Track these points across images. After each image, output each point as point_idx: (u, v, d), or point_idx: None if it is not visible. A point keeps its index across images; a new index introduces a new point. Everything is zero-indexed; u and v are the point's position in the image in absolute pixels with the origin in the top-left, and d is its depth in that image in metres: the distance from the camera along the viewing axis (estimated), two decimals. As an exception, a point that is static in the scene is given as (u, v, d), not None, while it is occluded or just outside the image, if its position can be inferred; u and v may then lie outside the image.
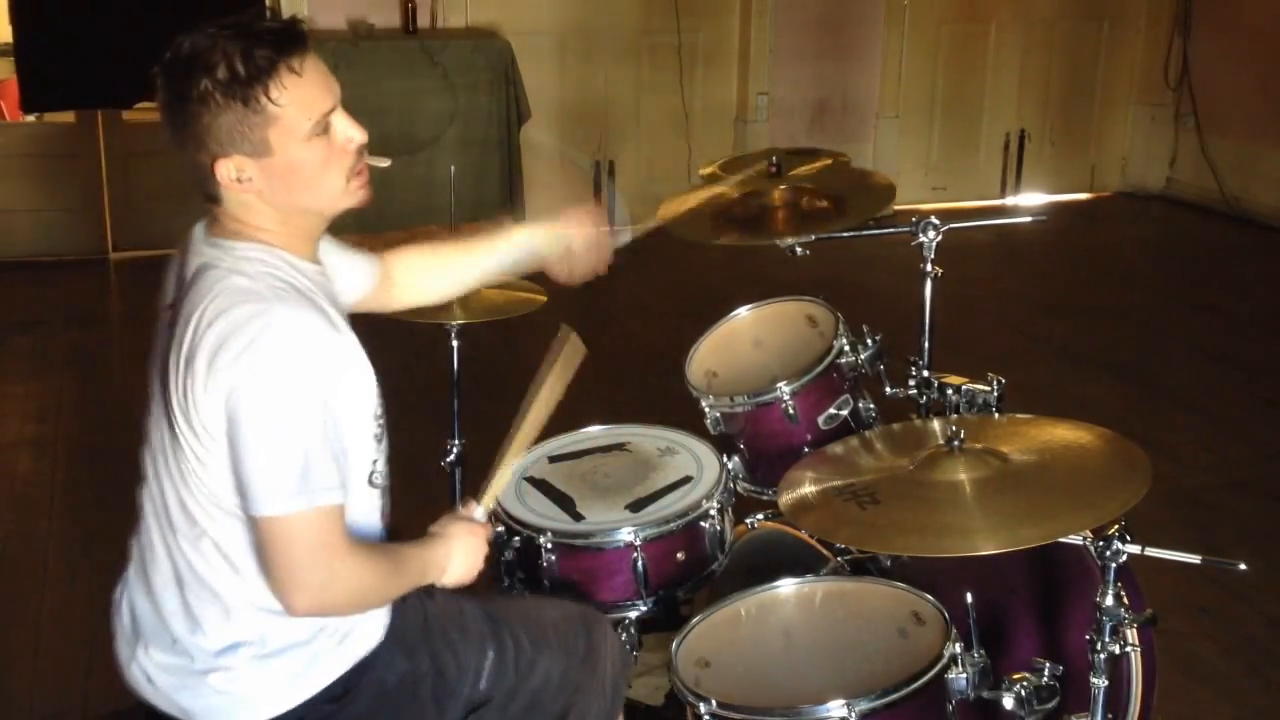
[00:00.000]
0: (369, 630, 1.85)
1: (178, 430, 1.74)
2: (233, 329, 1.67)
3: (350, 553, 1.75)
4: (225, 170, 1.74)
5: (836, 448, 2.25)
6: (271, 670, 1.79)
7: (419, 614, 1.92)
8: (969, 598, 1.89)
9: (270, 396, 1.67)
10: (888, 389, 2.64)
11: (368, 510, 1.86)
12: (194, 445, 1.73)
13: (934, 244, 2.61)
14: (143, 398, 1.89)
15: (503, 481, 2.10)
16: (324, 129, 1.79)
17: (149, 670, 1.84)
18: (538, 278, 2.67)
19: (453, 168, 3.40)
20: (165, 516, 1.82)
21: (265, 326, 1.68)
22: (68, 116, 6.45)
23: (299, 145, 1.76)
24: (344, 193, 1.85)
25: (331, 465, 1.71)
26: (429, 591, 1.97)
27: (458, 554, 1.94)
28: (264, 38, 1.71)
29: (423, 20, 6.41)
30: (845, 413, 2.56)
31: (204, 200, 1.81)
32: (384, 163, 1.93)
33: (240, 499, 1.71)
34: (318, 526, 1.70)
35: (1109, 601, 1.82)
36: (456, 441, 3.03)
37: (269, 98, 1.71)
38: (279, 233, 1.81)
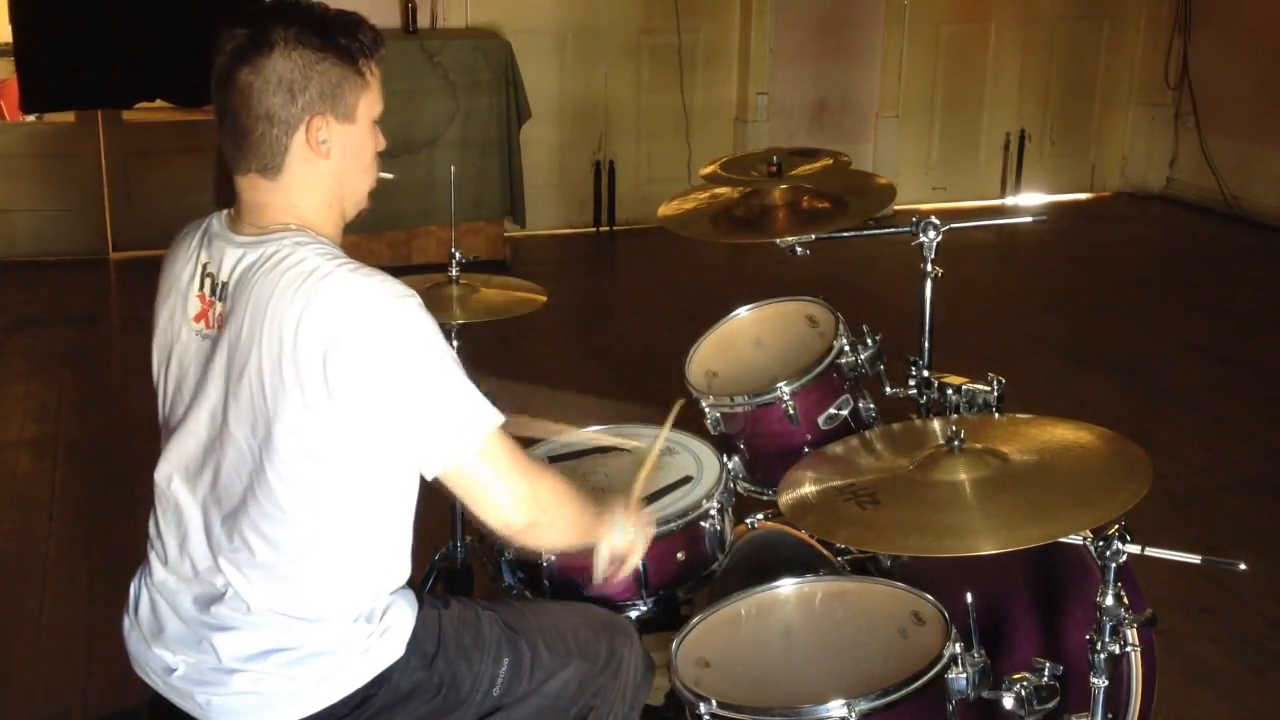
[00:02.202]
0: (395, 641, 1.85)
1: (258, 444, 1.73)
2: (328, 318, 1.68)
3: (533, 460, 1.86)
4: (317, 126, 1.77)
5: (836, 448, 2.25)
6: (298, 675, 1.79)
7: (435, 624, 1.91)
8: (969, 598, 1.89)
9: (407, 361, 1.70)
10: (888, 389, 2.64)
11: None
12: (291, 455, 1.72)
13: (934, 244, 2.61)
14: (152, 413, 1.89)
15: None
16: (378, 122, 1.88)
17: (169, 663, 1.84)
18: (538, 279, 2.67)
19: (453, 168, 3.39)
20: (204, 534, 1.82)
21: (356, 299, 1.69)
22: (68, 116, 6.44)
23: (368, 127, 1.85)
24: (366, 195, 1.91)
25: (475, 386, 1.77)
26: (445, 602, 1.97)
27: (625, 530, 2.03)
28: (365, 27, 1.83)
29: (423, 20, 6.41)
30: (845, 413, 2.56)
31: (259, 170, 1.79)
32: (389, 175, 1.99)
33: (419, 463, 1.76)
34: (501, 447, 1.78)
35: (1109, 601, 1.82)
36: (456, 441, 3.02)
37: (370, 69, 1.82)
38: (317, 220, 1.83)
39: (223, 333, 1.77)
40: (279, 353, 1.70)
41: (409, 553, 1.90)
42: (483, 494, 1.80)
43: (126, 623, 1.93)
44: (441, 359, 1.74)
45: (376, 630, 1.83)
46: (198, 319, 1.82)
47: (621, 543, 2.04)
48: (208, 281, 1.82)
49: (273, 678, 1.78)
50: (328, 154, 1.80)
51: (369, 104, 1.83)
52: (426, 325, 1.73)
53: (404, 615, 1.86)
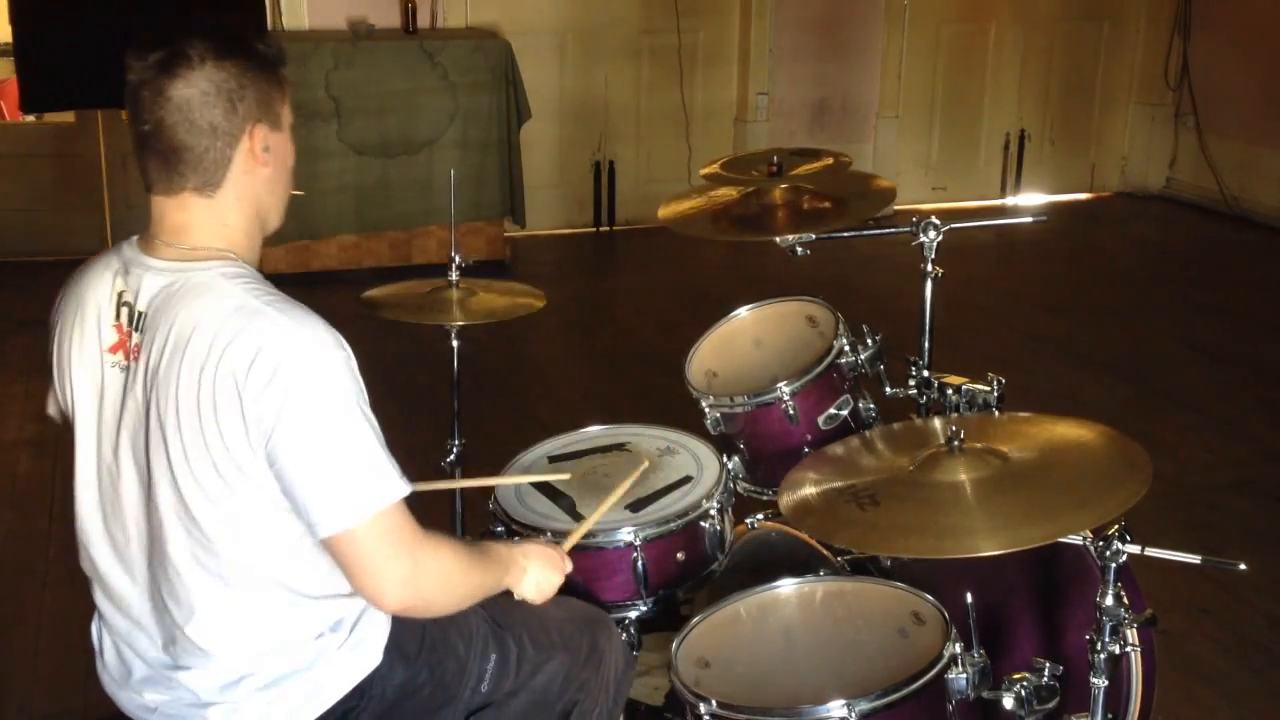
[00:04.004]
0: (370, 651, 1.83)
1: (178, 475, 1.67)
2: (251, 354, 1.62)
3: (428, 539, 1.75)
4: (260, 135, 1.74)
5: (836, 448, 2.25)
6: (274, 699, 1.77)
7: (417, 623, 1.89)
8: (969, 598, 1.89)
9: (316, 413, 1.64)
10: (888, 389, 2.64)
11: None
12: (212, 487, 1.67)
13: (934, 244, 2.61)
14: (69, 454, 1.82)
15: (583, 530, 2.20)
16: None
17: (148, 703, 1.81)
18: (538, 279, 2.67)
19: (452, 171, 3.39)
20: (144, 570, 1.77)
21: (283, 341, 1.64)
22: (68, 116, 6.45)
23: (289, 135, 1.83)
24: (284, 209, 1.87)
25: (388, 455, 1.69)
26: None
27: (535, 567, 1.98)
28: (269, 36, 1.82)
29: (423, 20, 6.41)
30: (845, 413, 2.56)
31: (196, 188, 1.73)
32: (298, 193, 1.94)
33: (306, 521, 1.67)
34: (392, 523, 1.68)
35: (1109, 601, 1.82)
36: (456, 441, 3.03)
37: (284, 74, 1.79)
38: (244, 240, 1.78)
39: (138, 362, 1.71)
40: (198, 385, 1.64)
41: None
42: (363, 568, 1.69)
43: (99, 666, 1.90)
44: (354, 418, 1.66)
45: (349, 642, 1.80)
46: (114, 349, 1.75)
47: (530, 591, 1.99)
48: (124, 311, 1.74)
49: (247, 705, 1.76)
50: (268, 162, 1.77)
51: (288, 111, 1.81)
52: (346, 380, 1.67)
53: (377, 621, 1.84)
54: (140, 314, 1.72)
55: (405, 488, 1.70)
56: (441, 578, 1.77)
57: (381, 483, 1.67)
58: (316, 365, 1.65)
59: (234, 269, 1.73)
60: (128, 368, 1.73)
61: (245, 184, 1.76)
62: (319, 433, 1.64)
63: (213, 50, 1.70)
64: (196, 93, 1.69)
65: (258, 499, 1.69)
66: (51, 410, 1.93)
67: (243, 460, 1.66)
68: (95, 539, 1.82)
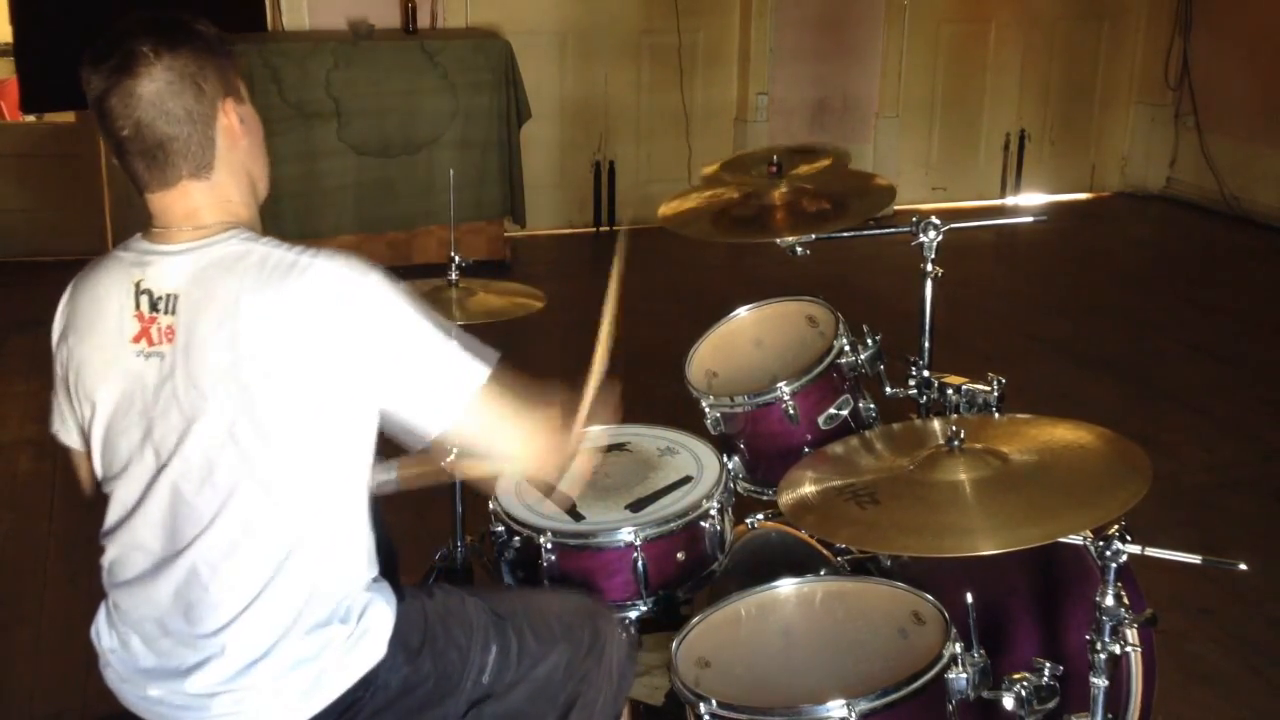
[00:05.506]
0: (375, 642, 1.83)
1: (224, 451, 1.69)
2: (318, 305, 1.68)
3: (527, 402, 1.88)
4: (231, 109, 1.79)
5: (836, 448, 2.25)
6: (280, 688, 1.77)
7: (419, 615, 1.90)
8: (969, 598, 1.89)
9: (399, 326, 1.73)
10: (888, 389, 2.64)
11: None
12: (280, 454, 1.70)
13: (934, 244, 2.61)
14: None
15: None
16: None
17: (153, 696, 1.82)
18: (537, 279, 2.67)
19: (451, 171, 3.40)
20: (164, 564, 1.79)
21: (331, 281, 1.70)
22: (68, 116, 6.44)
23: (251, 104, 1.87)
24: (269, 173, 1.92)
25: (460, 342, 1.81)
26: (429, 592, 1.97)
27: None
28: (202, 18, 1.83)
29: (423, 20, 6.41)
30: (845, 413, 2.56)
31: (190, 174, 1.76)
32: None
33: (419, 431, 1.77)
34: (494, 393, 1.81)
35: (1109, 601, 1.82)
36: (457, 441, 3.02)
37: (229, 49, 1.83)
38: (246, 214, 1.82)
39: (175, 343, 1.72)
40: (260, 350, 1.67)
41: (371, 544, 1.87)
42: (497, 440, 1.87)
43: (102, 661, 1.91)
44: (425, 322, 1.77)
45: (355, 632, 1.81)
46: (137, 339, 1.75)
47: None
48: (144, 299, 1.75)
49: (253, 694, 1.76)
50: (245, 133, 1.82)
51: (242, 82, 1.85)
52: (401, 294, 1.76)
53: (382, 613, 1.84)
54: (169, 297, 1.74)
55: (488, 367, 1.80)
56: (548, 428, 1.93)
57: (472, 364, 1.79)
58: (375, 293, 1.72)
59: (248, 233, 1.78)
60: (161, 351, 1.73)
61: (234, 158, 1.81)
62: (409, 347, 1.74)
63: (163, 42, 1.74)
64: (163, 84, 1.73)
65: (299, 463, 1.72)
66: (55, 427, 1.95)
67: (306, 416, 1.70)
68: (120, 528, 1.85)
